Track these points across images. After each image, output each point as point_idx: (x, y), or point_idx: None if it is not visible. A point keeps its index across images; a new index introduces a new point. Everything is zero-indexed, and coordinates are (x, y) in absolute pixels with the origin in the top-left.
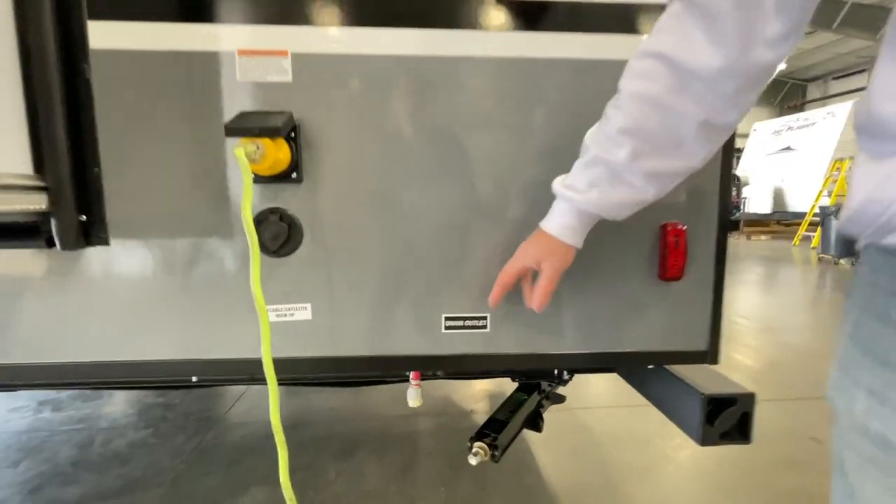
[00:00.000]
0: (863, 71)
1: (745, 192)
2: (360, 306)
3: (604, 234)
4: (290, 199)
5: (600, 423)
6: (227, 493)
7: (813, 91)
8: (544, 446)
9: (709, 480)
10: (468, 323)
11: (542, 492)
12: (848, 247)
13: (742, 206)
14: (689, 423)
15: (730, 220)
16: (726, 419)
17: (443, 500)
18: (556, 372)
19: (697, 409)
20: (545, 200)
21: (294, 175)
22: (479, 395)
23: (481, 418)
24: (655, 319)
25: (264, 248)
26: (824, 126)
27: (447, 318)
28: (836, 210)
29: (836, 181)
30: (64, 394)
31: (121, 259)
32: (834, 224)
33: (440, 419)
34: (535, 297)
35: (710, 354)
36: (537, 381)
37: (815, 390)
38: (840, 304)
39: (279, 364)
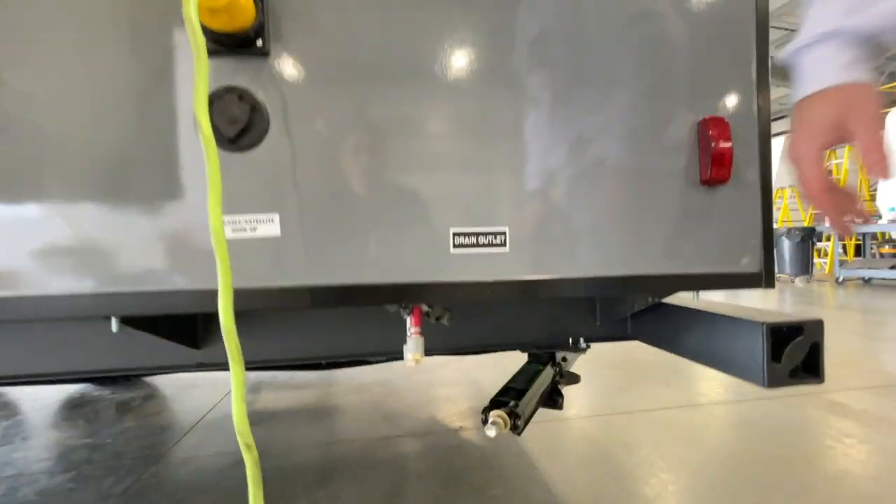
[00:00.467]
0: (784, 117)
1: None
2: (344, 220)
3: (637, 132)
4: (253, 77)
5: (603, 430)
6: None
7: None
8: (547, 456)
9: (740, 476)
10: (482, 240)
11: None
12: (802, 266)
13: None
14: (747, 365)
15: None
16: (795, 352)
17: None
18: (570, 340)
19: (759, 344)
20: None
21: (259, 43)
22: (466, 412)
23: (472, 434)
24: (698, 235)
25: (219, 136)
26: None
27: (456, 235)
28: (787, 232)
29: (779, 208)
30: None
31: (14, 163)
32: (786, 245)
33: (426, 439)
34: (876, 163)
35: (764, 276)
36: (551, 350)
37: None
38: (798, 314)
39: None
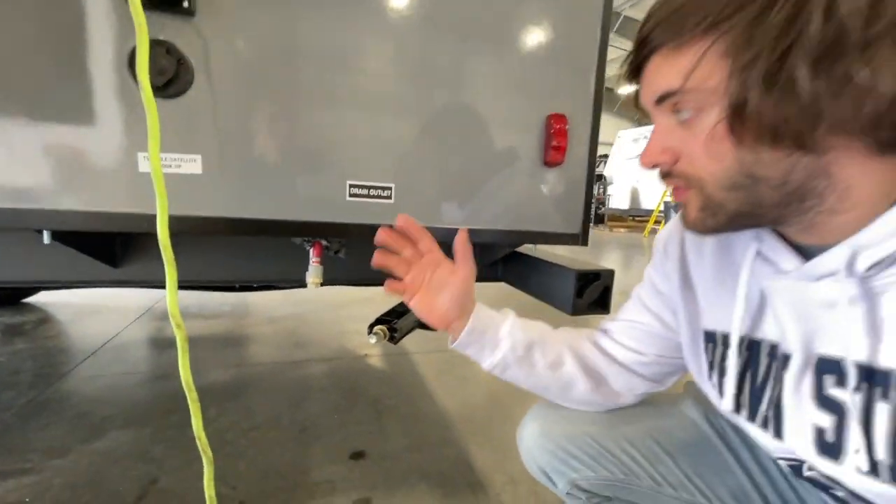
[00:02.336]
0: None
1: (609, 189)
2: (258, 164)
3: (498, 121)
4: (179, 33)
5: None
6: (78, 438)
7: None
8: (436, 377)
9: None
10: (373, 192)
11: (434, 413)
12: None
13: (606, 203)
14: (560, 298)
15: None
16: (592, 292)
17: (337, 425)
18: None
19: (570, 285)
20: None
21: (186, 3)
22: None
23: (376, 361)
24: (540, 202)
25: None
26: None
27: (352, 186)
28: (676, 206)
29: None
30: None
31: None
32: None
33: (333, 363)
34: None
35: (581, 236)
36: None
37: None
38: None
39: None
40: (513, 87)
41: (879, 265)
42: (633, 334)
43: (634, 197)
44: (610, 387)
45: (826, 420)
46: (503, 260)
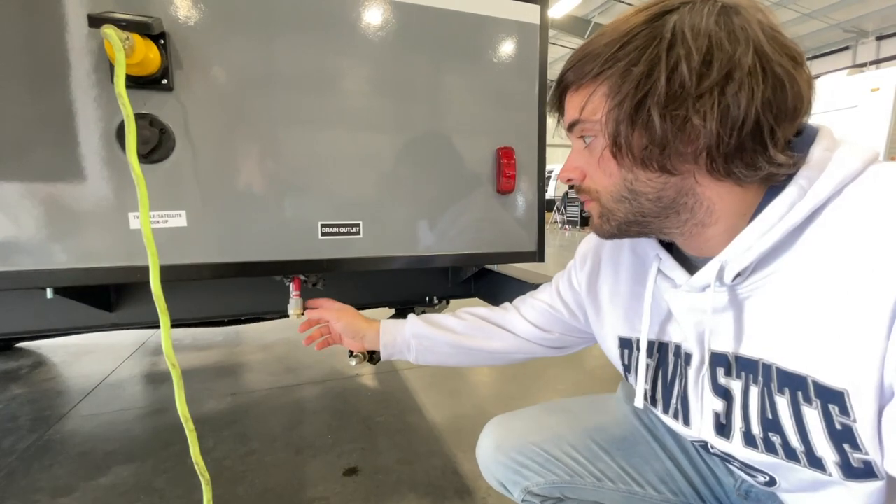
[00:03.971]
0: None
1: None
2: (237, 213)
3: (453, 157)
4: (160, 106)
5: (474, 370)
6: (82, 476)
7: None
8: (425, 391)
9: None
10: (343, 229)
11: (423, 426)
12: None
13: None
14: None
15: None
16: None
17: (330, 444)
18: (426, 298)
19: None
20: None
21: (165, 81)
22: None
23: (367, 379)
24: (497, 226)
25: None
26: None
27: (323, 225)
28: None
29: None
30: None
31: None
32: None
33: (325, 385)
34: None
35: (538, 254)
36: (411, 305)
37: None
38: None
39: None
40: (466, 126)
41: (742, 275)
42: (543, 315)
43: None
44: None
45: (719, 405)
46: (474, 277)
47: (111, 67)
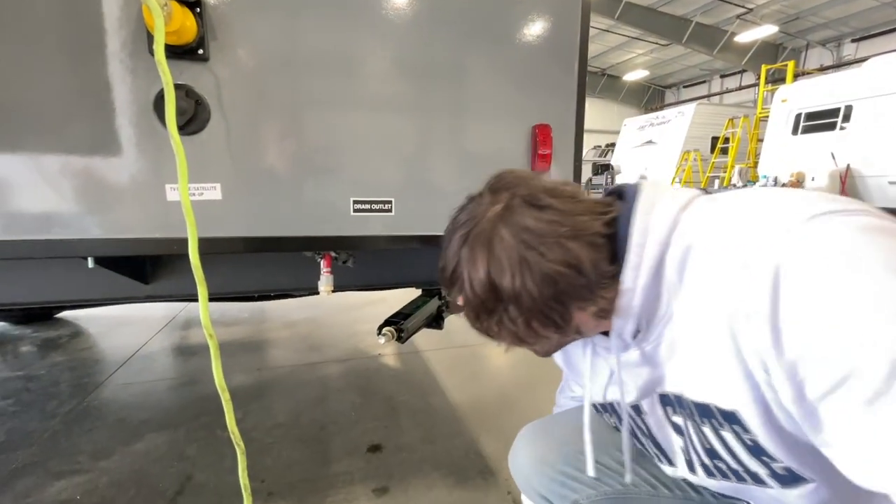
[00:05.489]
0: (704, 82)
1: (617, 179)
2: (271, 187)
3: (488, 134)
4: (196, 78)
5: (496, 354)
6: (119, 441)
7: (669, 96)
8: (447, 373)
9: None
10: (375, 206)
11: (446, 407)
12: None
13: None
14: None
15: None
16: None
17: (354, 421)
18: None
19: None
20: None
21: (201, 51)
22: (385, 344)
23: (389, 359)
24: None
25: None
26: (676, 123)
27: (355, 202)
28: None
29: (684, 169)
30: None
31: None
32: None
33: (348, 363)
34: None
35: None
36: (437, 288)
37: None
38: None
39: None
40: (501, 103)
41: (640, 333)
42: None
43: None
44: None
45: (680, 441)
46: None
47: (148, 37)
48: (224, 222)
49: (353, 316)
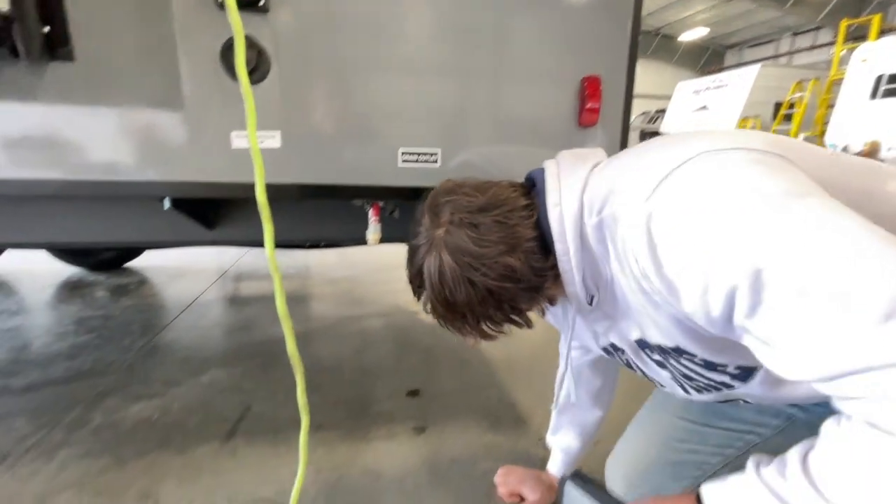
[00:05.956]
0: (771, 41)
1: None
2: (326, 136)
3: (534, 87)
4: (257, 28)
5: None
6: (187, 374)
7: (730, 58)
8: None
9: None
10: (421, 158)
11: (480, 361)
12: None
13: None
14: None
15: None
16: None
17: (393, 369)
18: None
19: None
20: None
21: (261, 2)
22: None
23: (426, 316)
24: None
25: (233, 74)
26: (735, 87)
27: (403, 153)
28: None
29: None
30: None
31: (86, 77)
32: None
33: (387, 318)
34: None
35: None
36: None
37: None
38: None
39: (249, 189)
40: (548, 53)
41: (593, 300)
42: (583, 372)
43: None
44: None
45: (666, 374)
46: None
47: None
48: (282, 169)
49: (391, 275)
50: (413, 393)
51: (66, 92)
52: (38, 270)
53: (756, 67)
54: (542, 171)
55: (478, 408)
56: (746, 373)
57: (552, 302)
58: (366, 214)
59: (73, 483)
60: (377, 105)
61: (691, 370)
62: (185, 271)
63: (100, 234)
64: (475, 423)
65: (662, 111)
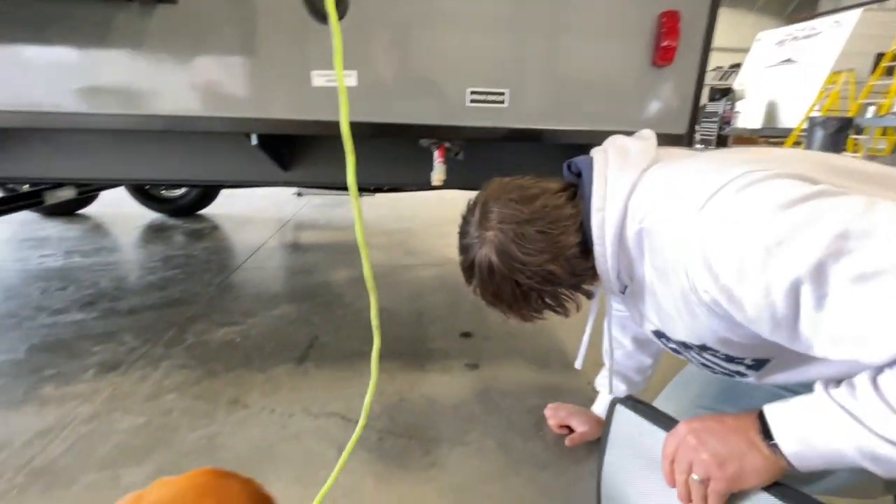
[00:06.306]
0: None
1: (738, 106)
2: (399, 77)
3: (608, 23)
4: None
5: None
6: (260, 307)
7: (825, 2)
8: None
9: None
10: (489, 98)
11: None
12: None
13: (733, 121)
14: None
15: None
16: None
17: (446, 314)
18: None
19: None
20: None
21: None
22: None
23: None
24: (645, 103)
25: (316, 13)
26: (829, 36)
27: (472, 92)
28: (823, 122)
29: (829, 95)
30: (89, 244)
31: (188, 18)
32: (818, 135)
33: (441, 268)
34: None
35: (687, 138)
36: None
37: None
38: None
39: (329, 126)
40: None
41: (626, 289)
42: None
43: (771, 113)
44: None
45: (682, 357)
46: None
47: None
48: (357, 108)
49: (444, 230)
50: (466, 335)
51: (169, 33)
52: (125, 215)
53: (857, 12)
54: (589, 162)
55: (528, 352)
56: (760, 363)
57: (589, 296)
58: (431, 156)
59: (176, 387)
60: (447, 45)
61: (711, 361)
62: (250, 220)
63: (193, 173)
64: (525, 365)
65: (737, 66)
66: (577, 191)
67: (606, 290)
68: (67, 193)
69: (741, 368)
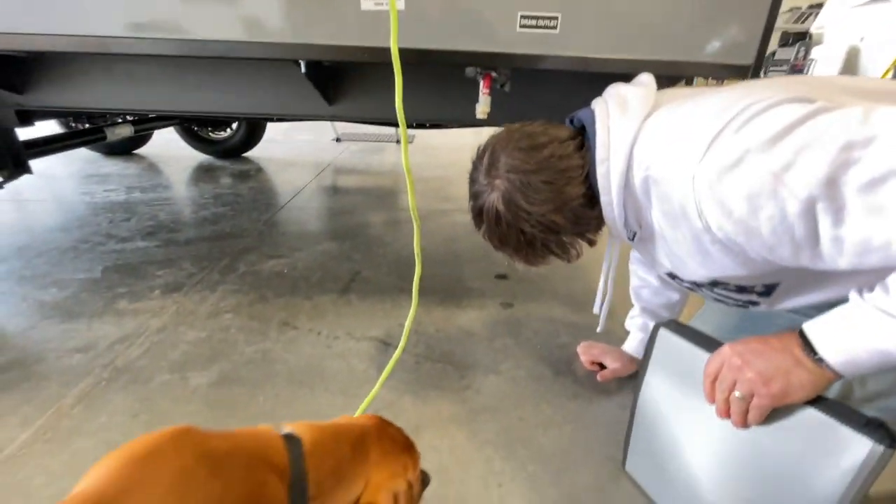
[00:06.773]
0: None
1: (814, 52)
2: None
3: None
4: None
5: None
6: (305, 243)
7: None
8: None
9: None
10: (541, 22)
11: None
12: None
13: (807, 69)
14: None
15: None
16: None
17: (481, 256)
18: None
19: None
20: None
21: None
22: None
23: None
24: (709, 28)
25: None
26: None
27: (523, 17)
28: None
29: None
30: (146, 181)
31: None
32: None
33: None
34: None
35: (754, 69)
36: None
37: None
38: None
39: (378, 52)
40: None
41: (635, 235)
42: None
43: (851, 60)
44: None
45: (695, 293)
46: None
47: None
48: (405, 33)
49: None
50: (501, 276)
51: None
52: (177, 156)
53: None
54: (591, 114)
55: (562, 294)
56: (770, 289)
57: (591, 244)
58: (475, 90)
59: (232, 309)
60: None
61: (722, 295)
62: (292, 163)
63: (242, 105)
64: (559, 306)
65: (817, 7)
66: (584, 141)
67: (615, 236)
68: (125, 131)
69: (752, 297)
